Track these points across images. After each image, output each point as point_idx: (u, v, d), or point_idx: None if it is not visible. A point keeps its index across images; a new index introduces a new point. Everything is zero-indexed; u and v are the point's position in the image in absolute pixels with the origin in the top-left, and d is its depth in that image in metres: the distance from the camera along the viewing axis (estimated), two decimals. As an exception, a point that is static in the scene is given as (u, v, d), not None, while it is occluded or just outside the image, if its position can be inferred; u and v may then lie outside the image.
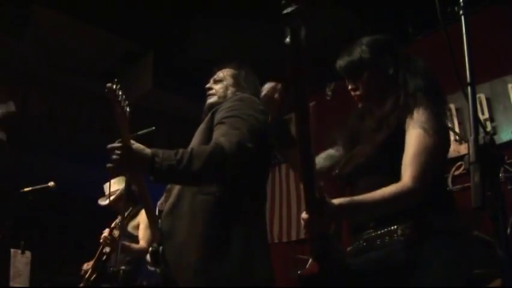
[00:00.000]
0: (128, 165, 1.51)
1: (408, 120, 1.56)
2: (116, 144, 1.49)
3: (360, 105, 1.78)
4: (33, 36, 4.96)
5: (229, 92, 2.03)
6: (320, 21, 4.81)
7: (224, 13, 4.79)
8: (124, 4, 4.54)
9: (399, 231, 1.48)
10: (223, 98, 2.00)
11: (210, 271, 1.57)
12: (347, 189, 1.69)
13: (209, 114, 1.87)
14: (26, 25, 4.79)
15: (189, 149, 1.58)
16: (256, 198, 1.83)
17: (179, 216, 1.69)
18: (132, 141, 1.50)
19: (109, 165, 1.51)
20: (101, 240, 3.28)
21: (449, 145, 1.71)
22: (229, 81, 2.07)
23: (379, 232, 1.52)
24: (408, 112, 1.58)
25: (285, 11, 1.04)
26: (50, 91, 5.30)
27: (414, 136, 1.52)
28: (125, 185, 2.86)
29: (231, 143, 1.59)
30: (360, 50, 1.73)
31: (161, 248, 1.66)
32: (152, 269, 1.78)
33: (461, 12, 1.20)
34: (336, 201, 1.34)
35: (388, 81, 1.69)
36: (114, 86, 1.45)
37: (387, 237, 1.50)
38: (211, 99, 2.05)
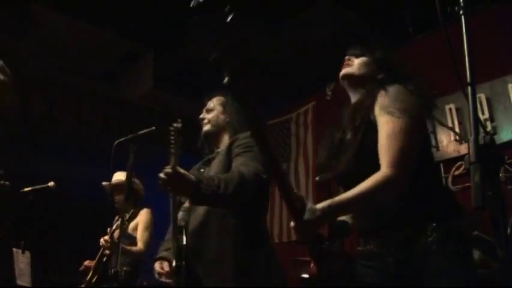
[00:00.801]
0: (176, 188, 1.77)
1: (375, 110, 1.51)
2: (168, 170, 1.72)
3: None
4: (33, 36, 4.96)
5: (220, 119, 2.29)
6: (320, 21, 4.82)
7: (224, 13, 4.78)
8: (124, 4, 4.54)
9: (408, 238, 1.44)
10: (216, 125, 2.28)
11: (242, 283, 1.86)
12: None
13: (226, 147, 2.12)
14: (26, 25, 4.79)
15: (221, 176, 1.86)
16: (265, 220, 2.19)
17: (207, 236, 1.95)
18: (179, 168, 1.75)
19: (160, 184, 1.76)
20: (100, 244, 3.29)
21: (424, 120, 1.60)
22: (218, 109, 2.32)
23: (388, 238, 1.49)
24: (374, 100, 1.53)
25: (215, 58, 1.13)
26: (50, 91, 5.30)
27: (382, 123, 1.48)
28: (126, 186, 2.86)
29: (250, 172, 1.88)
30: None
31: (184, 263, 1.91)
32: (163, 279, 2.03)
33: (461, 12, 1.20)
34: (319, 205, 1.38)
35: (369, 80, 1.66)
36: (180, 126, 1.83)
37: (397, 244, 1.46)
38: (206, 128, 2.31)
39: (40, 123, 5.33)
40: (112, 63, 5.67)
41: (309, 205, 1.37)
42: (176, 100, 5.69)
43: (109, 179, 3.63)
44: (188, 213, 2.00)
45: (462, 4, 1.20)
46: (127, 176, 2.82)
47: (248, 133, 2.05)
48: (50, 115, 5.22)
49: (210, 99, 2.38)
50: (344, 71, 1.70)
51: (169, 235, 2.23)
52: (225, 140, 2.15)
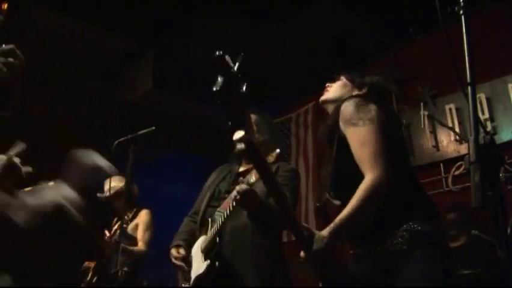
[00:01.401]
0: (246, 204, 2.04)
1: (341, 125, 1.61)
2: (246, 187, 1.96)
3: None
4: (33, 36, 4.95)
5: (255, 139, 2.42)
6: (320, 21, 4.81)
7: (224, 13, 4.79)
8: (124, 4, 4.54)
9: (381, 241, 1.52)
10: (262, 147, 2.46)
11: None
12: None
13: (282, 174, 2.33)
14: (26, 25, 4.79)
15: (273, 203, 2.07)
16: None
17: (241, 249, 2.17)
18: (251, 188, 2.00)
19: (234, 194, 2.01)
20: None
21: (390, 119, 1.66)
22: (254, 128, 2.46)
23: (372, 241, 1.57)
24: (337, 118, 1.63)
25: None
26: (50, 91, 5.30)
27: (349, 136, 1.57)
28: (126, 187, 2.86)
29: (291, 201, 2.20)
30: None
31: (217, 263, 2.12)
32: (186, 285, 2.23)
33: (461, 12, 1.20)
34: (324, 232, 1.48)
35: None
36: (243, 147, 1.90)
37: (378, 247, 1.54)
38: (241, 147, 2.40)
39: (40, 123, 5.33)
40: (112, 63, 5.66)
41: (317, 234, 1.47)
42: (176, 100, 5.69)
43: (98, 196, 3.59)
44: (223, 217, 2.14)
45: (462, 4, 1.20)
46: (127, 175, 2.82)
47: (289, 166, 2.45)
48: (50, 115, 5.22)
49: (252, 115, 2.51)
50: (321, 98, 1.94)
51: (185, 227, 2.46)
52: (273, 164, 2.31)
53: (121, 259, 2.81)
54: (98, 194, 3.58)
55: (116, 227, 3.26)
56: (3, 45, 1.65)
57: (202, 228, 2.31)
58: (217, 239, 2.16)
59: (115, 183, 3.51)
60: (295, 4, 4.73)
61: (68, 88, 5.47)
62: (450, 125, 4.08)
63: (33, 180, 3.46)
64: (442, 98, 4.23)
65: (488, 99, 3.90)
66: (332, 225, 1.47)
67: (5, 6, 1.87)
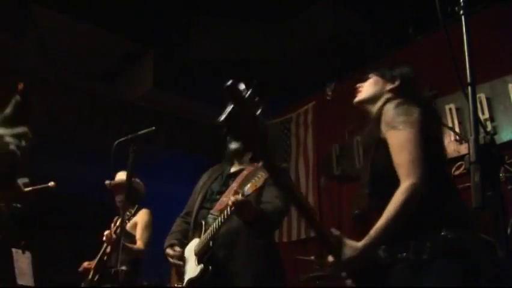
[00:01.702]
0: (242, 214, 2.07)
1: (382, 128, 1.59)
2: (241, 198, 2.00)
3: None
4: (33, 36, 4.95)
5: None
6: (320, 21, 4.81)
7: (224, 13, 4.79)
8: (124, 4, 4.54)
9: (411, 247, 1.48)
10: None
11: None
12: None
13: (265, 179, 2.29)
14: (26, 25, 4.79)
15: (269, 208, 2.21)
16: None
17: (236, 250, 2.20)
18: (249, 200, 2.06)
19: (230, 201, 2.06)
20: (104, 238, 3.30)
21: (433, 126, 1.64)
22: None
23: (398, 246, 1.53)
24: (379, 120, 1.61)
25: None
26: (50, 91, 5.30)
27: (389, 139, 1.54)
28: (127, 187, 2.86)
29: (284, 206, 2.26)
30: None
31: (210, 267, 2.16)
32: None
33: (461, 12, 1.20)
34: (360, 243, 1.45)
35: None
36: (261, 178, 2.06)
37: (404, 253, 1.50)
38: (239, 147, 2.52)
39: (40, 123, 5.33)
40: (112, 63, 5.66)
41: (346, 241, 1.45)
42: (176, 100, 5.69)
43: (109, 178, 3.64)
44: (219, 222, 2.17)
45: (462, 4, 1.20)
46: (127, 175, 2.82)
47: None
48: (50, 115, 5.21)
49: None
50: (356, 99, 1.83)
51: (178, 227, 2.51)
52: (246, 159, 2.36)
53: (121, 257, 2.81)
54: (106, 182, 3.64)
55: (118, 224, 3.27)
56: (17, 128, 1.70)
57: (196, 231, 2.32)
58: (211, 243, 2.17)
59: (123, 176, 3.53)
60: (295, 4, 4.74)
61: (68, 88, 5.47)
62: (450, 125, 4.07)
63: (34, 180, 3.46)
64: (442, 98, 4.22)
65: (488, 99, 3.90)
66: (367, 237, 1.46)
67: (21, 86, 1.91)
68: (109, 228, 3.39)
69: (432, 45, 4.18)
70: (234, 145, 2.46)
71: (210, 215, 2.29)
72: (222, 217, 2.12)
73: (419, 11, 4.20)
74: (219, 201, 2.30)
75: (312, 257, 3.65)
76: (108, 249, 3.36)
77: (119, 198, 3.58)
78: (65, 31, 4.95)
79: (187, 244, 2.34)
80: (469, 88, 1.12)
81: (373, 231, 1.45)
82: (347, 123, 4.95)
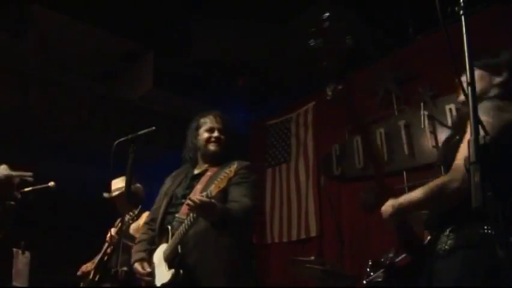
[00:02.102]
0: (205, 214, 2.04)
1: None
2: (204, 199, 1.97)
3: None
4: (33, 36, 4.95)
5: (225, 142, 2.50)
6: (320, 21, 4.81)
7: (224, 13, 4.79)
8: (124, 4, 4.54)
9: (443, 238, 1.54)
10: (224, 147, 2.47)
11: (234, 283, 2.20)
12: None
13: (233, 174, 2.23)
14: (26, 25, 4.79)
15: (236, 207, 2.18)
16: (252, 238, 2.55)
17: (206, 251, 2.18)
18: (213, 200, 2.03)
19: (190, 204, 2.00)
20: (107, 239, 3.30)
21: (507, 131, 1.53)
22: (225, 132, 2.52)
23: (436, 234, 1.61)
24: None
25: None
26: (50, 91, 5.29)
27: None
28: (126, 187, 2.85)
29: (252, 204, 2.26)
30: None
31: (181, 271, 2.13)
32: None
33: (461, 12, 1.20)
34: (390, 200, 1.65)
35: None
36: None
37: (438, 242, 1.57)
38: (217, 148, 2.47)
39: (40, 123, 5.33)
40: (112, 63, 5.66)
41: (391, 199, 1.65)
42: (176, 100, 5.68)
43: (109, 178, 3.63)
44: (186, 225, 2.15)
45: (462, 4, 1.20)
46: (127, 175, 2.81)
47: (244, 163, 2.39)
48: (50, 115, 5.21)
49: (218, 116, 2.56)
50: (459, 99, 1.72)
51: (144, 236, 2.49)
52: (233, 166, 2.18)
53: (121, 258, 2.81)
54: (104, 194, 3.62)
55: (120, 225, 3.27)
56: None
57: (162, 237, 2.29)
58: (179, 247, 2.15)
59: (120, 183, 3.52)
60: (295, 4, 4.73)
61: (68, 88, 5.47)
62: (450, 125, 4.07)
63: (34, 180, 3.46)
64: (442, 98, 4.22)
65: (488, 99, 3.90)
66: (396, 199, 1.61)
67: None
68: (110, 228, 3.38)
69: (432, 45, 4.18)
70: (216, 148, 2.46)
71: (175, 220, 2.27)
72: (188, 219, 2.11)
73: (419, 11, 4.20)
74: (185, 204, 2.26)
75: (312, 257, 3.64)
76: (109, 250, 3.36)
77: (120, 206, 3.55)
78: (65, 31, 4.95)
79: (155, 250, 2.32)
80: (469, 88, 1.12)
81: (402, 198, 1.61)
82: (347, 123, 4.96)
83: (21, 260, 3.39)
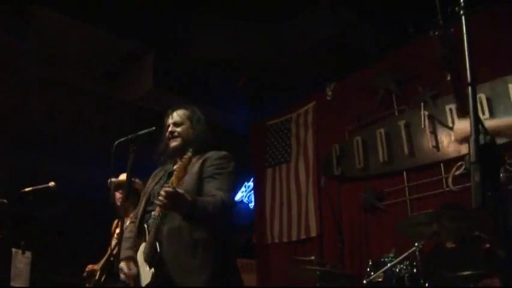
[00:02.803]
0: (174, 206, 1.96)
1: None
2: (169, 189, 1.89)
3: None
4: (33, 36, 4.96)
5: (189, 134, 2.40)
6: (320, 21, 4.81)
7: (224, 14, 4.79)
8: (124, 4, 4.54)
9: None
10: (186, 140, 2.36)
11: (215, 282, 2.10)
12: None
13: (199, 163, 2.26)
14: (26, 25, 4.79)
15: (209, 199, 2.09)
16: (229, 233, 2.35)
17: (182, 247, 2.11)
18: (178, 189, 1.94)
19: (157, 203, 1.96)
20: (115, 236, 3.30)
21: None
22: (187, 123, 2.45)
23: None
24: None
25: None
26: (50, 91, 5.30)
27: None
28: (126, 187, 2.85)
29: (228, 197, 2.15)
30: None
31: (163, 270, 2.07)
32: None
33: (461, 12, 1.20)
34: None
35: None
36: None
37: None
38: (176, 143, 2.39)
39: (40, 123, 5.33)
40: (112, 63, 5.67)
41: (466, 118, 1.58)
42: (176, 100, 5.67)
43: (109, 178, 3.63)
44: (157, 221, 2.12)
45: (462, 4, 1.20)
46: (127, 175, 2.81)
47: (220, 153, 2.31)
48: (50, 115, 5.22)
49: (174, 111, 2.52)
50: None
51: (129, 234, 2.44)
52: (188, 154, 2.13)
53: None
54: (111, 179, 3.62)
55: (118, 225, 3.27)
56: None
57: (141, 236, 2.26)
58: (157, 244, 2.11)
59: (122, 177, 3.52)
60: (295, 4, 4.74)
61: (68, 88, 5.47)
62: (450, 125, 4.07)
63: (34, 180, 3.46)
64: (442, 98, 4.22)
65: (488, 99, 3.90)
66: None
67: None
68: (109, 229, 3.38)
69: (432, 45, 4.18)
70: (174, 143, 2.40)
71: (151, 218, 2.23)
72: (158, 214, 2.09)
73: (419, 11, 4.20)
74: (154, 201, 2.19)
75: (312, 257, 3.64)
76: (115, 251, 3.36)
77: (119, 197, 3.57)
78: (65, 31, 4.95)
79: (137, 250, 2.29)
80: (469, 88, 1.12)
81: None
82: (347, 123, 4.96)
83: (22, 260, 3.39)
